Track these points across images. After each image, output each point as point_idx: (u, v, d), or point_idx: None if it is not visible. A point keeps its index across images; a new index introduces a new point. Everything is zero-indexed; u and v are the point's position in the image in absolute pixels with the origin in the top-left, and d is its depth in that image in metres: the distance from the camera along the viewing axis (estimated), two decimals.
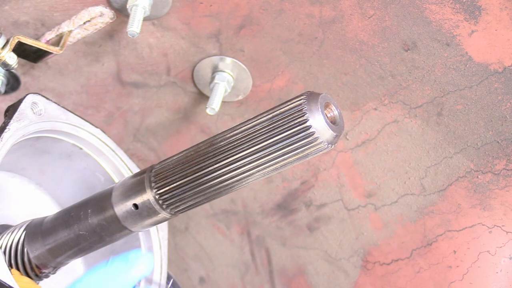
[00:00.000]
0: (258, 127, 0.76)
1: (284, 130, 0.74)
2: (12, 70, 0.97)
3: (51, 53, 0.96)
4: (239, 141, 0.77)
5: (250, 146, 0.76)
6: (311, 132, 0.72)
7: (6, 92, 1.08)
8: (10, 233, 0.94)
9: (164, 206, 0.82)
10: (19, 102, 0.90)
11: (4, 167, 0.99)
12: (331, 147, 0.74)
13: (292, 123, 0.73)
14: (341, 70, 1.01)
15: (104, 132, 1.05)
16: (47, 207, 1.08)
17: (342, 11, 0.94)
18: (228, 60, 1.04)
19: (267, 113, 0.76)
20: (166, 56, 1.06)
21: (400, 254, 1.07)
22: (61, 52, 0.96)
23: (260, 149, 0.76)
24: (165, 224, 1.10)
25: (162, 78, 1.10)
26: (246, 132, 0.77)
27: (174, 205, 0.82)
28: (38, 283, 0.95)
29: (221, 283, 1.28)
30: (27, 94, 0.98)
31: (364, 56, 0.98)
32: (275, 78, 1.05)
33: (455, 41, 0.92)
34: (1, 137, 0.86)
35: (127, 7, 0.94)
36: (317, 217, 1.15)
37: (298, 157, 0.75)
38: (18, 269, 0.93)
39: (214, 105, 1.03)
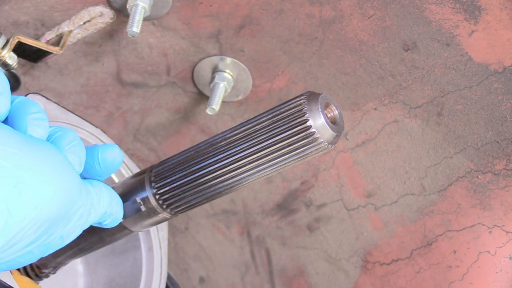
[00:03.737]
0: (258, 127, 0.76)
1: (284, 130, 0.74)
2: (12, 70, 0.97)
3: (51, 53, 0.96)
4: (239, 141, 0.77)
5: (250, 146, 0.76)
6: (311, 132, 0.72)
7: None
8: None
9: (164, 206, 0.82)
10: None
11: None
12: (331, 147, 0.74)
13: (292, 123, 0.73)
14: (341, 70, 1.01)
15: (104, 132, 1.05)
16: None
17: (342, 11, 0.94)
18: (228, 60, 1.04)
19: (267, 113, 0.76)
20: (166, 56, 1.06)
21: (400, 254, 1.07)
22: (61, 52, 0.96)
23: (260, 149, 0.76)
24: (165, 224, 1.10)
25: (162, 78, 1.10)
26: (246, 132, 0.77)
27: (174, 205, 0.82)
28: (38, 283, 0.95)
29: (221, 283, 1.28)
30: (27, 94, 0.98)
31: (364, 56, 0.98)
32: (275, 78, 1.05)
33: (455, 41, 0.92)
34: None
35: (127, 7, 0.94)
36: (317, 217, 1.15)
37: (298, 157, 0.75)
38: (18, 269, 0.93)
39: (214, 105, 1.03)
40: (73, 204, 0.72)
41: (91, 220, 0.76)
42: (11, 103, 0.71)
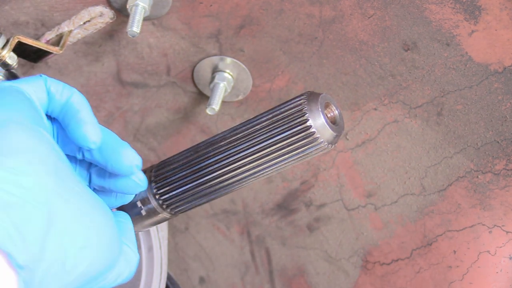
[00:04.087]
0: (258, 127, 0.76)
1: (284, 130, 0.74)
2: (12, 70, 0.97)
3: (51, 53, 0.96)
4: (239, 141, 0.77)
5: (250, 146, 0.76)
6: (311, 132, 0.72)
7: None
8: None
9: (164, 206, 0.82)
10: None
11: None
12: (331, 147, 0.74)
13: (292, 123, 0.73)
14: (341, 70, 1.01)
15: None
16: None
17: (342, 11, 0.94)
18: (228, 60, 1.04)
19: (267, 113, 0.76)
20: (166, 56, 1.06)
21: (400, 254, 1.07)
22: (61, 52, 0.96)
23: (260, 149, 0.76)
24: (165, 224, 1.10)
25: (162, 78, 1.10)
26: (246, 132, 0.77)
27: (174, 205, 0.82)
28: None
29: (221, 283, 1.28)
30: None
31: (364, 56, 0.98)
32: (275, 78, 1.05)
33: (455, 41, 0.92)
34: None
35: (127, 7, 0.94)
36: (317, 217, 1.15)
37: (298, 157, 0.75)
38: None
39: (214, 105, 1.03)
40: (105, 271, 0.68)
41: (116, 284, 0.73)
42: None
